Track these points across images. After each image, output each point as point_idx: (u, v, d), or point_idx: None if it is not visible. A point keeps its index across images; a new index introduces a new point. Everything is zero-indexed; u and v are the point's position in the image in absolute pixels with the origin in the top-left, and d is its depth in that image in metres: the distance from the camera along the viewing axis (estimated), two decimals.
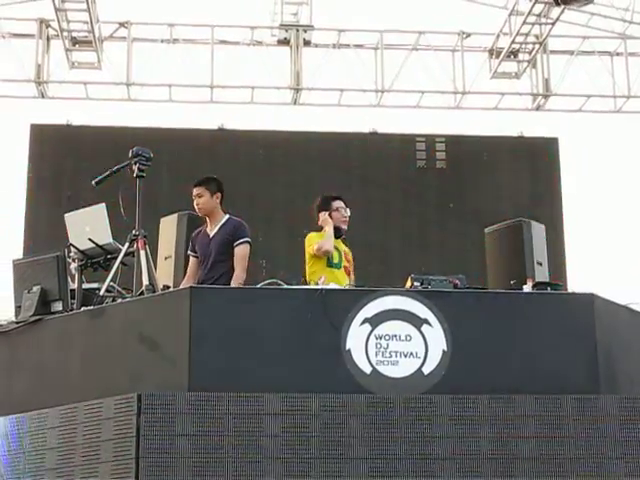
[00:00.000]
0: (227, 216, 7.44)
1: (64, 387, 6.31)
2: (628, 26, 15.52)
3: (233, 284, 7.04)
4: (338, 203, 7.78)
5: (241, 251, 7.26)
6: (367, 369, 5.90)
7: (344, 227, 7.72)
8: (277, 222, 14.01)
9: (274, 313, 6.02)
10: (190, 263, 7.50)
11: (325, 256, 7.53)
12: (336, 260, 7.56)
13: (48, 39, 15.01)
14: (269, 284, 6.58)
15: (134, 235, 6.94)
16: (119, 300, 6.73)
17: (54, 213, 12.75)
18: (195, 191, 7.45)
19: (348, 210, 7.77)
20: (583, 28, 15.56)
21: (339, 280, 7.34)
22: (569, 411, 5.88)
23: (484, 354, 6.04)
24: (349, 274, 7.62)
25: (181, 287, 7.07)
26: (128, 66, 14.90)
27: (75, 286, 6.98)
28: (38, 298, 6.64)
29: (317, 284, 6.66)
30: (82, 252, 7.10)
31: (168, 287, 7.21)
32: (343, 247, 7.74)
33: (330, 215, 7.67)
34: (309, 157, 14.23)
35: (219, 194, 7.46)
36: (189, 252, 7.52)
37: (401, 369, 5.92)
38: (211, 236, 7.39)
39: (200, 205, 7.43)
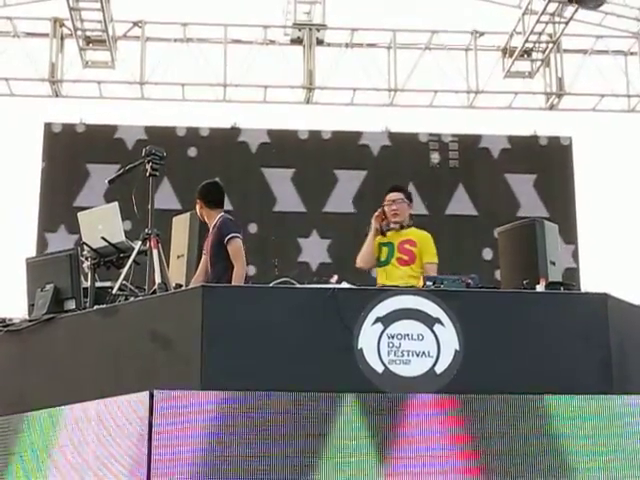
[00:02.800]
0: (218, 216, 7.51)
1: (77, 385, 6.32)
2: None
3: (234, 281, 7.08)
4: (388, 196, 7.62)
5: (233, 247, 7.31)
6: (379, 368, 5.89)
7: (395, 220, 7.50)
8: (290, 220, 14.03)
9: (286, 312, 6.01)
10: (202, 261, 7.60)
11: (365, 268, 7.61)
12: (383, 257, 7.45)
13: (62, 38, 15.06)
14: (281, 283, 6.58)
15: (147, 234, 6.96)
16: (132, 299, 6.74)
17: (67, 211, 12.81)
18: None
19: (398, 202, 7.54)
20: (597, 27, 15.53)
21: (388, 276, 7.28)
22: (582, 410, 5.87)
23: (496, 354, 6.02)
24: (407, 264, 7.41)
25: (190, 284, 7.12)
26: (142, 65, 14.93)
27: (88, 284, 7.00)
28: (51, 296, 6.65)
29: (329, 283, 6.67)
30: (95, 251, 7.12)
31: (180, 286, 7.24)
32: (401, 237, 7.51)
33: (383, 212, 7.56)
34: (321, 156, 14.24)
35: (199, 201, 7.60)
36: (203, 250, 7.62)
37: (413, 368, 5.91)
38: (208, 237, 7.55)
39: (199, 213, 7.68)
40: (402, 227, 7.54)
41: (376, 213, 7.56)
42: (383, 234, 7.50)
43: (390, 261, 7.44)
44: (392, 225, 7.51)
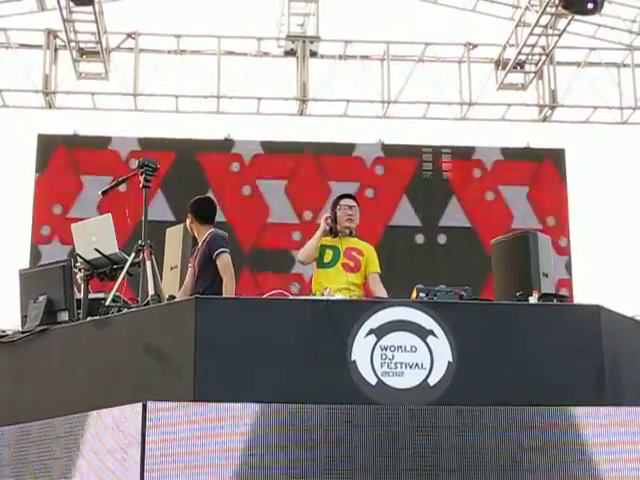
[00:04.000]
0: (208, 231, 7.54)
1: (70, 396, 6.31)
2: (635, 37, 15.57)
3: (223, 294, 7.10)
4: (344, 201, 7.60)
5: (221, 262, 7.36)
6: (372, 380, 5.89)
7: (348, 225, 7.49)
8: (284, 232, 14.04)
9: (279, 323, 6.01)
10: (188, 274, 7.64)
11: (305, 263, 7.57)
12: (327, 259, 7.40)
13: (56, 50, 15.08)
14: (275, 294, 6.58)
15: (140, 245, 6.96)
16: (125, 310, 6.73)
17: (61, 223, 12.81)
18: None
19: (354, 209, 7.55)
20: (590, 39, 15.60)
21: (329, 279, 7.25)
22: (576, 422, 5.87)
23: (490, 365, 6.02)
24: (352, 271, 7.37)
25: (177, 298, 7.14)
26: (135, 77, 14.95)
27: (81, 296, 7.00)
28: (44, 308, 6.64)
29: (322, 294, 6.66)
30: (88, 262, 7.11)
31: (174, 297, 7.23)
32: (347, 244, 7.49)
33: (335, 214, 7.52)
34: (315, 168, 14.26)
35: (189, 216, 7.66)
36: (189, 264, 7.66)
37: (407, 380, 5.91)
38: (197, 252, 7.57)
39: (188, 228, 7.73)
40: (350, 233, 7.55)
41: (327, 215, 7.51)
42: (334, 235, 7.45)
43: (335, 264, 7.38)
44: (343, 229, 7.48)
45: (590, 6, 13.21)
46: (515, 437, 5.82)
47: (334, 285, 7.10)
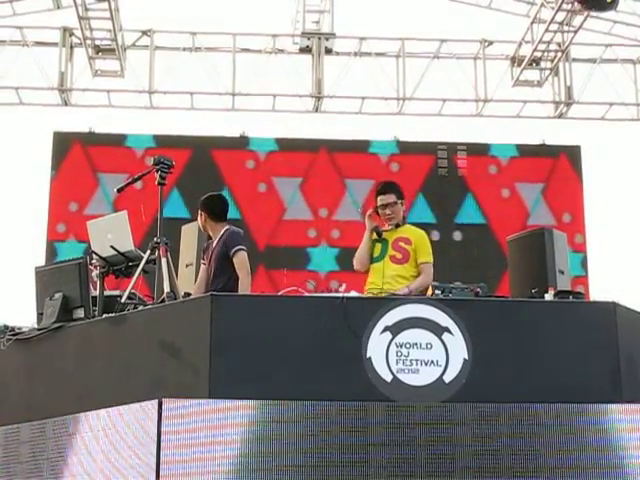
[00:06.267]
0: (224, 228, 7.55)
1: (86, 394, 6.33)
2: None
3: (240, 292, 7.12)
4: (380, 199, 7.33)
5: (238, 259, 7.37)
6: (388, 377, 5.88)
7: (389, 224, 7.30)
8: (299, 229, 14.04)
9: (295, 321, 6.02)
10: (201, 270, 7.65)
11: (363, 271, 7.30)
12: (377, 254, 7.25)
13: (71, 47, 15.10)
14: (290, 292, 6.58)
15: (156, 242, 6.97)
16: (140, 307, 6.74)
17: (77, 220, 12.85)
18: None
19: (390, 207, 7.28)
20: (606, 36, 15.53)
21: (376, 273, 7.12)
22: (592, 419, 5.86)
23: (505, 363, 6.02)
24: (400, 262, 7.16)
25: (193, 294, 7.15)
26: (150, 74, 14.97)
27: (97, 293, 7.01)
28: (60, 305, 6.66)
29: (337, 291, 6.64)
30: (104, 259, 7.13)
31: (189, 294, 7.24)
32: (396, 234, 7.27)
33: (376, 212, 7.33)
34: (330, 165, 14.26)
35: (202, 213, 7.67)
36: (202, 260, 7.65)
37: (422, 377, 5.90)
38: (211, 249, 7.55)
39: (200, 224, 7.73)
40: (397, 226, 7.34)
41: (369, 213, 7.32)
42: (379, 236, 7.28)
43: (382, 258, 7.22)
44: (387, 227, 7.33)
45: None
46: (530, 434, 5.81)
47: (381, 279, 7.01)
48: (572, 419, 5.85)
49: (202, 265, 7.64)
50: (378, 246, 7.30)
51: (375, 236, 7.31)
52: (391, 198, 7.34)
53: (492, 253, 13.54)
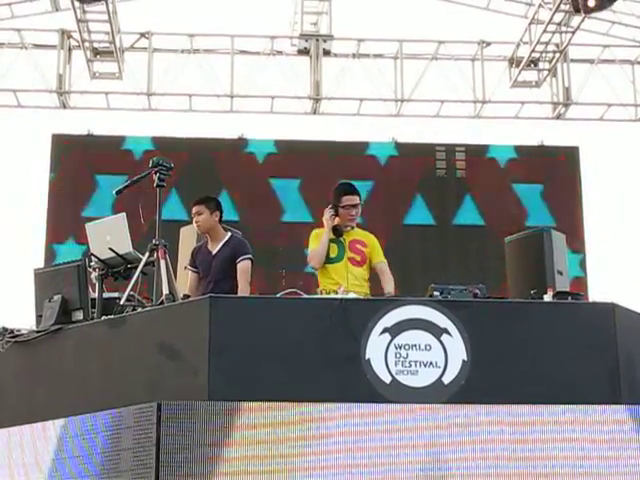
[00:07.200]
0: (229, 234, 7.59)
1: (84, 396, 6.33)
2: None
3: None
4: (347, 199, 7.38)
5: (243, 267, 7.42)
6: (387, 379, 5.89)
7: (351, 224, 7.37)
8: (298, 231, 14.03)
9: (294, 323, 6.02)
10: (190, 278, 7.64)
11: (317, 269, 7.37)
12: (333, 254, 7.30)
13: (70, 50, 15.10)
14: (288, 294, 6.58)
15: (154, 244, 6.97)
16: (139, 309, 6.74)
17: (75, 222, 12.85)
18: (194, 209, 7.66)
19: (356, 209, 7.37)
20: (604, 37, 15.54)
21: (337, 274, 7.19)
22: (591, 420, 5.86)
23: (504, 364, 6.02)
24: (359, 265, 7.30)
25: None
26: (149, 76, 14.98)
27: (96, 295, 7.01)
28: (59, 307, 6.66)
29: (337, 293, 6.65)
30: (103, 261, 7.13)
31: (188, 296, 7.25)
32: (351, 237, 7.36)
33: (337, 210, 7.36)
34: (328, 167, 14.26)
35: (218, 213, 7.64)
36: (188, 266, 7.65)
37: (421, 379, 5.91)
38: (213, 254, 7.54)
39: (199, 223, 7.62)
40: (352, 227, 7.43)
41: (331, 213, 7.33)
42: (339, 235, 7.32)
43: (341, 259, 7.28)
44: (344, 227, 7.36)
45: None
46: (529, 435, 5.80)
47: (345, 281, 7.08)
48: (571, 420, 5.85)
49: (191, 273, 7.61)
50: (333, 246, 7.34)
51: (332, 235, 7.32)
52: (357, 199, 7.43)
53: (491, 254, 13.54)
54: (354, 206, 7.39)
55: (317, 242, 7.36)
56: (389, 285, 7.27)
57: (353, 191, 7.46)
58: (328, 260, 7.33)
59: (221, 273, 7.41)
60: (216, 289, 7.25)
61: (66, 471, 6.12)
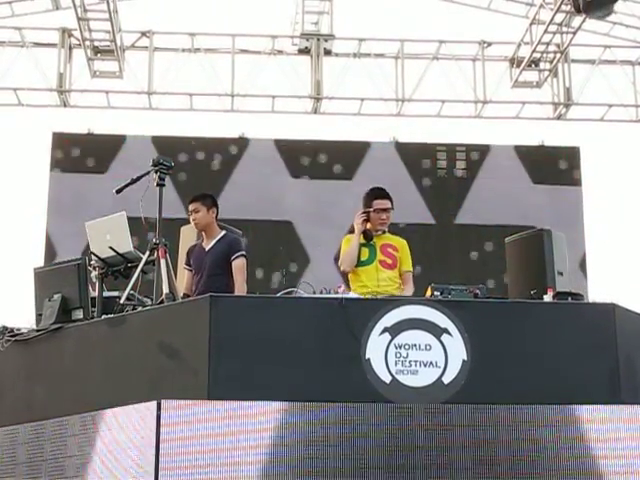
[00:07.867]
0: (223, 232, 7.59)
1: (84, 394, 6.33)
2: None
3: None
4: (379, 203, 7.33)
5: (238, 264, 7.42)
6: (387, 378, 5.88)
7: (382, 228, 7.32)
8: (299, 231, 14.03)
9: (293, 322, 6.01)
10: (186, 277, 7.64)
11: (348, 272, 7.30)
12: (364, 257, 7.23)
13: (70, 48, 15.10)
14: (288, 293, 6.58)
15: (154, 243, 6.96)
16: (139, 308, 6.74)
17: (75, 221, 12.84)
18: (191, 207, 7.64)
19: (387, 213, 7.32)
20: (605, 37, 15.54)
21: (368, 277, 7.14)
22: (590, 420, 5.85)
23: (504, 364, 6.02)
24: (390, 268, 7.23)
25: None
26: (149, 75, 14.97)
27: (96, 294, 7.01)
28: (59, 306, 6.66)
29: (337, 293, 6.64)
30: (103, 260, 7.13)
31: (188, 295, 7.25)
32: (382, 240, 7.32)
33: (369, 215, 7.34)
34: (329, 166, 14.26)
35: (214, 209, 7.63)
36: (184, 265, 7.64)
37: (421, 378, 5.91)
38: (207, 250, 7.53)
39: (196, 220, 7.60)
40: (383, 232, 7.40)
41: (362, 217, 7.29)
42: (369, 239, 7.29)
43: (372, 262, 7.23)
44: (375, 231, 7.33)
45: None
46: (529, 435, 5.80)
47: (376, 283, 7.06)
48: (570, 420, 5.85)
49: (186, 271, 7.61)
50: (364, 250, 7.29)
51: (362, 239, 7.32)
52: (389, 204, 7.39)
53: (491, 254, 13.55)
54: (385, 210, 7.34)
55: (348, 246, 7.34)
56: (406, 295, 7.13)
57: (384, 195, 7.41)
58: (359, 263, 7.25)
59: (214, 269, 7.39)
60: (209, 284, 7.25)
61: (67, 471, 6.12)
